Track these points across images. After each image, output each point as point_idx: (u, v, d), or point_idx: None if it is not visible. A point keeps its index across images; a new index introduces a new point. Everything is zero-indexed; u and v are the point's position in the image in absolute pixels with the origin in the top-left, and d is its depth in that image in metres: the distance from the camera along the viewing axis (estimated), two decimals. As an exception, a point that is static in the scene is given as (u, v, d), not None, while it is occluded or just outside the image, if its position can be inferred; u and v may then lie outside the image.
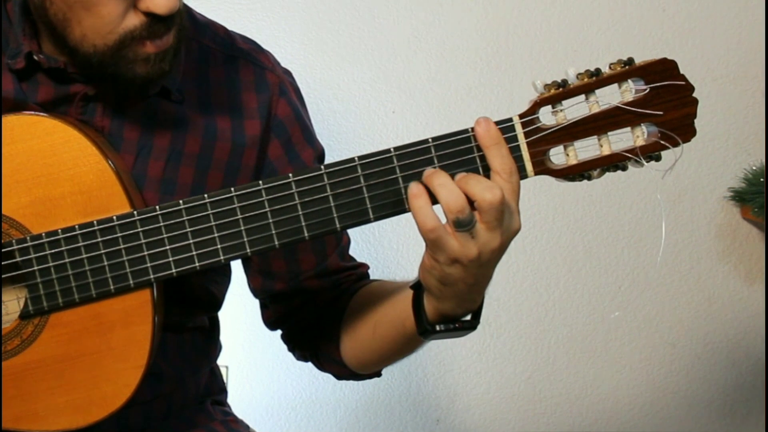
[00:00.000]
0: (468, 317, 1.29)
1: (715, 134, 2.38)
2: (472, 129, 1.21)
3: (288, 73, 1.50)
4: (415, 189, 1.19)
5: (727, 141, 2.40)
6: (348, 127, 2.26)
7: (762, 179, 2.31)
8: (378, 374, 1.49)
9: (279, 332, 1.54)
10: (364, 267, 1.52)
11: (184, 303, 1.43)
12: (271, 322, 1.53)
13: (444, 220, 1.19)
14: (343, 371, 1.47)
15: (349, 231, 1.44)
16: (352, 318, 1.43)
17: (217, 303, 1.54)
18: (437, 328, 1.27)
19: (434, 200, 1.20)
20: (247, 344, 2.22)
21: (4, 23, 1.36)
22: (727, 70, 2.38)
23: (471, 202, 1.18)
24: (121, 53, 1.27)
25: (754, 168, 2.35)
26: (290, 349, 1.54)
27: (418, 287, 1.28)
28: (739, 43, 2.38)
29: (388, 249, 2.29)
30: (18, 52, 1.33)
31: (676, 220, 2.40)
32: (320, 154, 1.50)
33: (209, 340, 1.56)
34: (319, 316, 1.47)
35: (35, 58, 1.33)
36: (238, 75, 1.44)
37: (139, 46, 1.27)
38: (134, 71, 1.28)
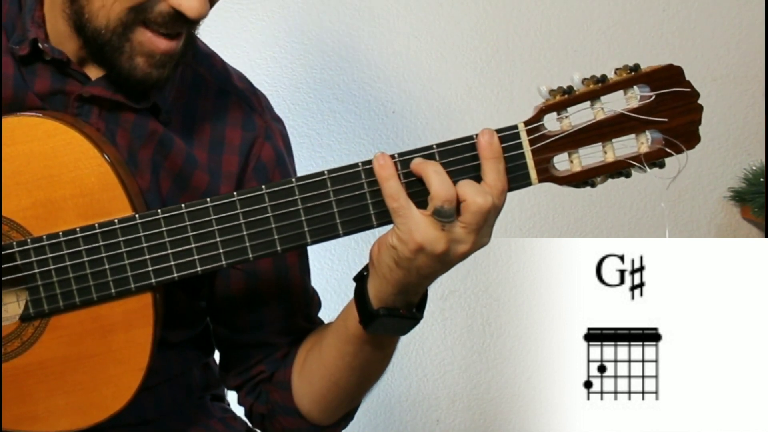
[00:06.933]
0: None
1: (715, 134, 2.38)
2: (477, 136, 1.21)
3: (278, 120, 1.48)
4: (381, 160, 1.20)
5: (727, 141, 2.40)
6: (348, 127, 2.26)
7: (762, 179, 2.31)
8: (345, 424, 1.46)
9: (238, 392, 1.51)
10: None
11: (167, 320, 1.39)
12: (230, 378, 1.49)
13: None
14: (301, 424, 1.43)
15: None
16: (301, 356, 1.43)
17: (199, 322, 1.52)
18: (380, 312, 1.26)
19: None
20: (246, 344, 2.22)
21: (12, 9, 1.35)
22: (727, 70, 2.38)
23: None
24: (129, 34, 1.25)
25: (754, 168, 2.36)
26: (247, 414, 1.50)
27: (360, 278, 1.28)
28: (739, 43, 2.38)
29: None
30: (23, 39, 1.32)
31: (676, 221, 2.40)
32: None
33: (202, 338, 1.54)
34: (275, 369, 1.45)
35: (40, 46, 1.31)
36: (226, 110, 1.42)
37: (147, 37, 1.25)
38: (135, 64, 1.27)
